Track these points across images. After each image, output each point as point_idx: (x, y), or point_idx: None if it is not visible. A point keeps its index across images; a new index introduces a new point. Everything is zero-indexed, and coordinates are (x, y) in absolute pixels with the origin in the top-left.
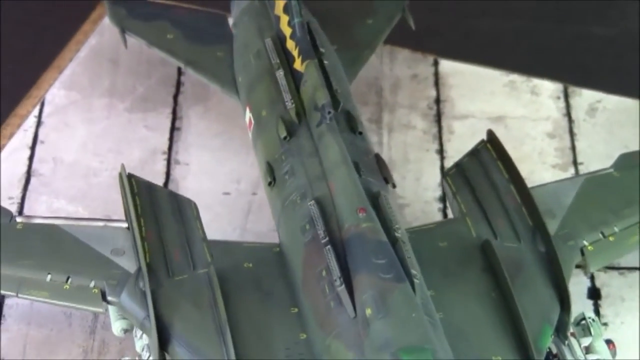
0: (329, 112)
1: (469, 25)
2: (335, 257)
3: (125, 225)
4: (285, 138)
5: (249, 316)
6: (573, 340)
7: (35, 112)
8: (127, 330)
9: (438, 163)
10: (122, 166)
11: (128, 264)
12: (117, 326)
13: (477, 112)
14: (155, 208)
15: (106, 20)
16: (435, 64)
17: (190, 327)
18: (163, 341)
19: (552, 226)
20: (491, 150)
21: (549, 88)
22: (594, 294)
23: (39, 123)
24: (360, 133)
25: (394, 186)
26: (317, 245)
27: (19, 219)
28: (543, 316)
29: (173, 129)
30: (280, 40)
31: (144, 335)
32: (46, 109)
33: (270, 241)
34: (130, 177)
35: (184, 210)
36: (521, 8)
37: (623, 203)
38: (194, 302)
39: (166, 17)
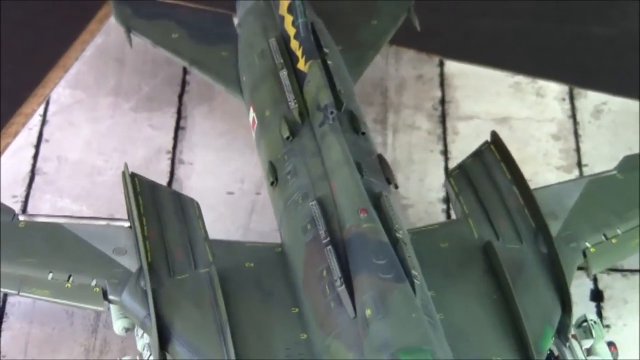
0: (332, 112)
1: (475, 26)
2: (336, 257)
3: (127, 224)
4: (288, 138)
5: (250, 316)
6: (574, 342)
7: (40, 110)
8: (129, 329)
9: (442, 164)
10: (125, 165)
11: (130, 263)
12: (118, 325)
13: (482, 113)
14: (157, 207)
15: (112, 20)
16: (441, 64)
17: (190, 327)
18: (163, 340)
19: (554, 228)
20: (495, 151)
21: (554, 90)
22: (597, 296)
23: (43, 122)
24: (363, 133)
25: (396, 187)
26: (318, 245)
27: (21, 217)
28: (544, 317)
29: (178, 128)
30: (284, 40)
31: (145, 334)
32: (51, 108)
33: (273, 241)
34: (133, 176)
35: (186, 210)
36: (530, 8)
37: (626, 205)
38: (194, 302)
39: (171, 17)
